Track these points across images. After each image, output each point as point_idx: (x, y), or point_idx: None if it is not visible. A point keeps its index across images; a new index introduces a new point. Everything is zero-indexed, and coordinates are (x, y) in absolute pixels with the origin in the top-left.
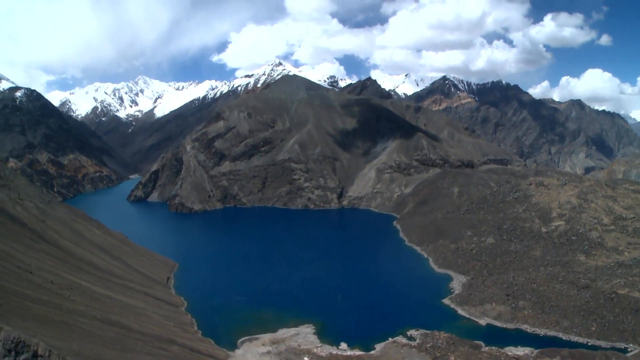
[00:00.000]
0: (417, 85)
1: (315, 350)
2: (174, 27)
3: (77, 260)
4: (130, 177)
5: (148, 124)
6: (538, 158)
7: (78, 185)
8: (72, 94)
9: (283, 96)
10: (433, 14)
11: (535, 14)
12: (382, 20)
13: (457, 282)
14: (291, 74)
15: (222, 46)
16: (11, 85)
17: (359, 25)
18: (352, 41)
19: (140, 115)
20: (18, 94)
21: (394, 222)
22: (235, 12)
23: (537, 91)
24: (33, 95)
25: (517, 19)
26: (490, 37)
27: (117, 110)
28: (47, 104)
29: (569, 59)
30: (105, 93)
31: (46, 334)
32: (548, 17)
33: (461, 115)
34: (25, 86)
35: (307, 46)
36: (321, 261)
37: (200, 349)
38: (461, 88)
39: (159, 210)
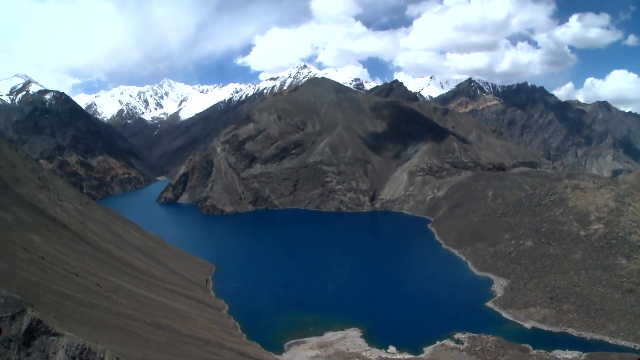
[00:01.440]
0: (442, 87)
1: (364, 353)
2: (200, 30)
3: (118, 263)
4: (158, 179)
5: (173, 126)
6: (565, 161)
7: (107, 187)
8: (98, 97)
9: (312, 99)
10: (458, 15)
11: (561, 14)
12: (407, 22)
13: (498, 285)
14: (317, 76)
15: (246, 49)
16: (40, 88)
17: (383, 27)
18: (376, 44)
19: (165, 118)
20: (47, 97)
21: (429, 225)
22: (260, 15)
23: (561, 93)
24: (62, 98)
25: (543, 20)
26: (514, 39)
27: (143, 113)
28: (75, 106)
29: (594, 60)
30: (131, 96)
31: (104, 340)
32: (574, 18)
33: (487, 118)
34: (53, 89)
35: (331, 49)
36: (359, 264)
37: (248, 352)
38: (486, 90)
39: (190, 212)
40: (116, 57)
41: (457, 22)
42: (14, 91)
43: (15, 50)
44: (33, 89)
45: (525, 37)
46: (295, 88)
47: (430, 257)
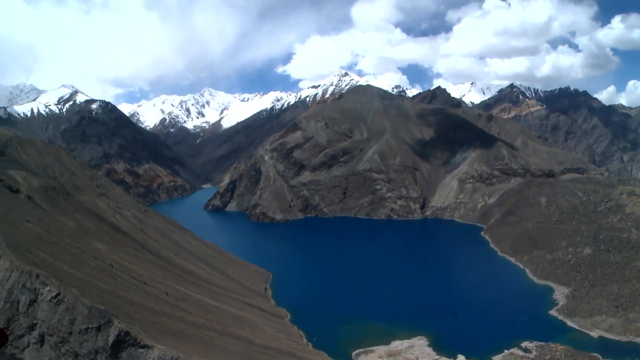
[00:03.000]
0: (484, 93)
1: None
2: (241, 39)
3: (180, 270)
4: (203, 186)
5: (216, 134)
6: (610, 166)
7: (153, 194)
8: (140, 106)
9: (358, 106)
10: (498, 20)
11: (603, 16)
12: (447, 28)
13: (560, 294)
14: (358, 84)
15: (287, 58)
16: (87, 98)
17: (422, 34)
18: (416, 50)
19: (207, 127)
20: (94, 106)
21: (482, 233)
22: (301, 23)
23: (602, 96)
24: (108, 108)
25: (584, 23)
26: (555, 43)
27: (185, 121)
28: (121, 115)
29: (637, 62)
30: (172, 105)
31: (188, 351)
32: (617, 19)
33: (531, 124)
34: (99, 99)
35: (370, 56)
36: (417, 272)
37: None
38: (529, 95)
39: (239, 220)
40: (159, 66)
41: (497, 27)
42: (61, 101)
43: (60, 62)
44: (80, 98)
45: (566, 41)
46: (339, 96)
47: (487, 265)
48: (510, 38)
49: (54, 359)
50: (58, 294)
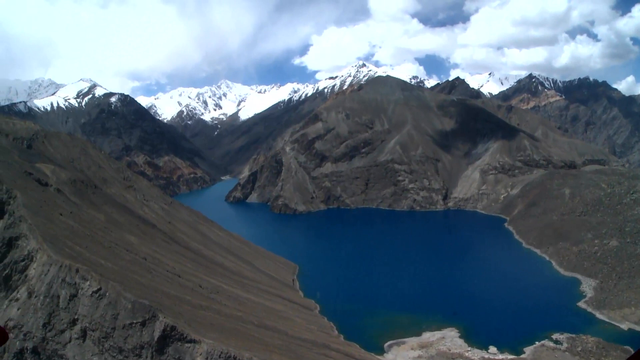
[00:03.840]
0: (502, 84)
1: (467, 354)
2: (259, 31)
3: (209, 263)
4: (222, 178)
5: (234, 126)
6: (630, 157)
7: (174, 186)
8: (157, 99)
9: (379, 97)
10: (517, 9)
11: (623, 5)
12: (464, 18)
13: (587, 286)
14: (377, 74)
15: (303, 49)
16: (105, 91)
17: (440, 24)
18: (433, 40)
19: (225, 118)
20: (112, 99)
21: (505, 224)
22: (318, 14)
23: (621, 86)
24: (127, 100)
25: (604, 12)
26: (573, 32)
27: (202, 113)
28: (140, 108)
29: None
30: (189, 97)
31: (232, 345)
32: (637, 8)
33: (550, 114)
34: (118, 92)
35: (387, 47)
36: (443, 263)
37: (353, 353)
38: (547, 86)
39: (261, 211)
40: (176, 59)
41: (516, 17)
42: (80, 94)
43: (77, 56)
44: (98, 92)
45: (585, 30)
46: (359, 87)
47: (513, 256)
48: (529, 28)
49: (97, 355)
50: (99, 289)
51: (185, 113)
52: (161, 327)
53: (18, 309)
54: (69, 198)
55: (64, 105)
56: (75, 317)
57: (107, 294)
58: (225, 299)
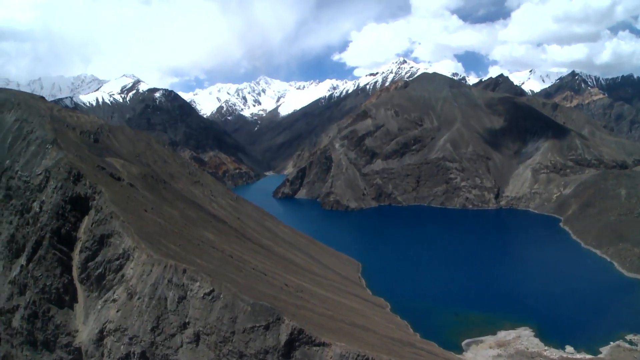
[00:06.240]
0: (543, 81)
1: (545, 353)
2: (300, 27)
3: (281, 259)
4: (265, 174)
5: (274, 122)
6: None
7: (219, 182)
8: (196, 94)
9: (426, 94)
10: (559, 5)
11: None
12: (505, 14)
13: None
14: (419, 71)
15: (343, 45)
16: (149, 87)
17: (480, 20)
18: (473, 37)
19: (264, 114)
20: (157, 95)
21: (561, 224)
22: (359, 10)
23: None
24: (171, 96)
25: None
26: (616, 28)
27: (242, 109)
28: (184, 103)
29: None
30: (228, 93)
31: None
32: None
33: (593, 113)
34: (162, 88)
35: (427, 43)
36: (505, 262)
37: (437, 352)
38: (590, 84)
39: (312, 208)
40: (217, 55)
41: (558, 13)
42: (124, 90)
43: (117, 52)
44: (142, 87)
45: (627, 26)
46: (405, 84)
47: (573, 256)
48: (571, 24)
49: None
50: (212, 290)
51: (225, 109)
52: (288, 331)
53: (117, 311)
54: (142, 193)
55: (109, 100)
56: (186, 320)
57: (222, 296)
58: (310, 297)
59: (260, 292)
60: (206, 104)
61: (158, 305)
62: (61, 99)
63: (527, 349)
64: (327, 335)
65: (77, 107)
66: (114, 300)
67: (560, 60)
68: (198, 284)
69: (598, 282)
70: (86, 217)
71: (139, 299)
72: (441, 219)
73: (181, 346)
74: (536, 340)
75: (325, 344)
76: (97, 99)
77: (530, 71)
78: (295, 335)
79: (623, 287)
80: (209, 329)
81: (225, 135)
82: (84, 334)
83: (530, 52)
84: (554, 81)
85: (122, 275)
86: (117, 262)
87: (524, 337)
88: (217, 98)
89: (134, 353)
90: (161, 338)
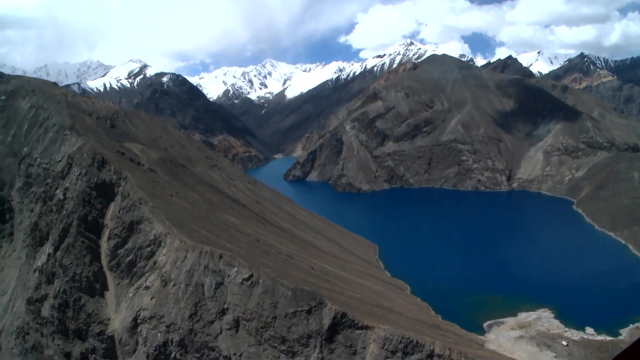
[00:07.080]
0: (552, 63)
1: (565, 334)
2: (306, 9)
3: (303, 243)
4: (274, 157)
5: (281, 105)
6: None
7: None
8: (202, 78)
9: (436, 76)
10: None
11: None
12: None
13: None
14: (426, 53)
15: (349, 27)
16: (156, 71)
17: (487, 1)
18: (480, 18)
19: (271, 97)
20: (164, 79)
21: (574, 207)
22: None
23: None
24: (179, 80)
25: None
26: (625, 9)
27: (248, 92)
28: (192, 87)
29: None
30: (234, 77)
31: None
32: None
33: (602, 95)
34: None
35: (433, 25)
36: (520, 244)
37: (461, 334)
38: (599, 65)
39: (324, 190)
40: (223, 39)
41: None
42: (131, 75)
43: (122, 37)
44: (149, 72)
45: (637, 7)
46: (414, 66)
47: (587, 239)
48: (581, 5)
49: (254, 346)
50: (250, 276)
51: (231, 92)
52: (331, 315)
53: (152, 298)
54: (164, 178)
55: (117, 85)
56: (225, 306)
57: (261, 282)
58: (336, 280)
59: (294, 277)
60: (212, 87)
61: (195, 292)
62: (68, 85)
63: (549, 331)
64: (367, 318)
65: (84, 93)
66: (147, 288)
67: (568, 41)
68: (235, 269)
69: (614, 264)
70: (112, 204)
71: (174, 285)
72: (454, 201)
73: (220, 332)
74: (556, 322)
75: (369, 327)
76: (104, 85)
77: (538, 52)
78: (339, 319)
79: (637, 269)
80: (249, 314)
81: (234, 118)
82: (117, 322)
83: (538, 34)
84: (562, 63)
85: (155, 262)
86: (149, 249)
87: (544, 319)
88: (223, 82)
89: (171, 341)
90: (200, 325)
